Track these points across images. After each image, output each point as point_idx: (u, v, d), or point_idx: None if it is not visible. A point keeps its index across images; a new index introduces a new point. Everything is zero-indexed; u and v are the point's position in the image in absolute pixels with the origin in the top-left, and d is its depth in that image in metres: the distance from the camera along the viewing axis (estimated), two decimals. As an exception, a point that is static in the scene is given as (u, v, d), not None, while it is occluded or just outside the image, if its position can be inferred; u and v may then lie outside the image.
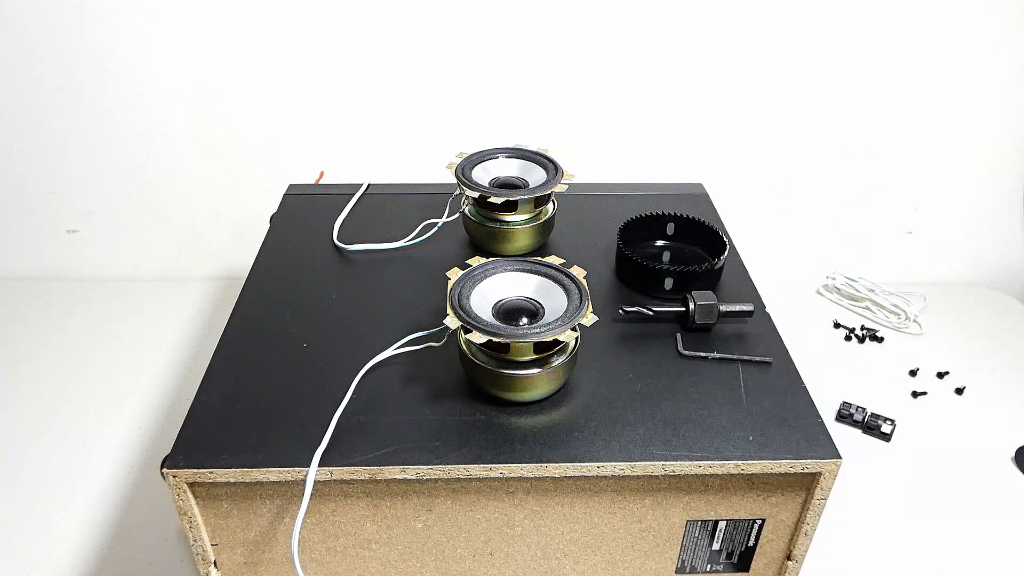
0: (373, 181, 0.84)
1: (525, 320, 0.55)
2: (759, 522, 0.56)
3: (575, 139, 0.99)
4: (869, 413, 0.85)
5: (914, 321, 1.00)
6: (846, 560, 0.71)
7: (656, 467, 0.52)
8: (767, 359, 0.61)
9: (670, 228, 0.74)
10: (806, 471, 0.53)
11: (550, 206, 0.72)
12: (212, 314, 1.02)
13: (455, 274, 0.57)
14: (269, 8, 0.91)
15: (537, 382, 0.55)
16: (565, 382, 0.57)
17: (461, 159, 0.72)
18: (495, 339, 0.51)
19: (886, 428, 0.83)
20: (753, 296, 0.68)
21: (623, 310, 0.63)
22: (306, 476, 0.50)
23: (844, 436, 0.84)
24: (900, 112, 1.00)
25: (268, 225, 0.78)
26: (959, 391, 0.90)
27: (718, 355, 0.61)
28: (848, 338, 0.98)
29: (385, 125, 0.99)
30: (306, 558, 0.56)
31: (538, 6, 0.92)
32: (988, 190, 1.06)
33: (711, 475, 0.53)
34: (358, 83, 0.96)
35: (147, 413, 0.86)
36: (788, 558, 0.58)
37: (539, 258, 0.59)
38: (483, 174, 0.72)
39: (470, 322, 0.52)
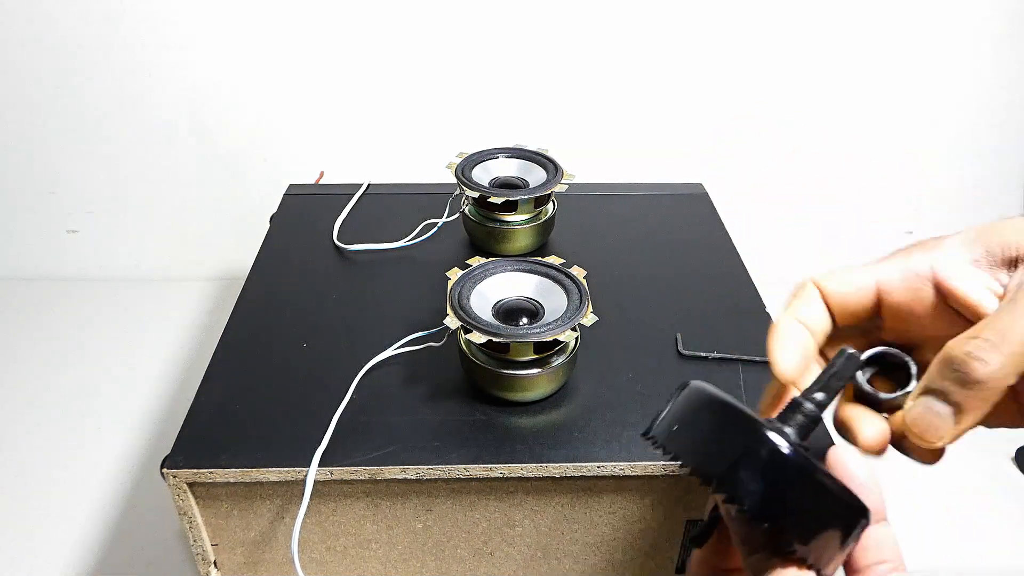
0: (373, 181, 0.84)
1: (525, 320, 0.55)
2: (759, 522, 0.56)
3: (575, 139, 0.99)
4: (869, 413, 0.84)
5: (914, 321, 1.00)
6: (846, 560, 0.71)
7: (656, 467, 0.52)
8: (767, 359, 0.60)
9: None
10: (806, 471, 0.53)
11: (550, 206, 0.72)
12: (212, 314, 1.02)
13: (455, 274, 0.57)
14: (269, 8, 0.91)
15: (537, 382, 0.55)
16: (565, 382, 0.57)
17: (461, 159, 0.72)
18: (495, 339, 0.51)
19: None
20: (753, 296, 0.68)
21: None
22: (306, 476, 0.50)
23: (844, 436, 0.84)
24: (900, 111, 1.00)
25: (268, 225, 0.78)
26: (959, 391, 0.90)
27: (718, 355, 0.61)
28: (848, 338, 0.98)
29: (385, 125, 0.99)
30: (306, 558, 0.56)
31: (538, 6, 0.92)
32: (988, 189, 1.06)
33: (711, 475, 0.53)
34: (358, 83, 0.96)
35: (147, 413, 0.86)
36: (788, 558, 0.58)
37: (539, 258, 0.59)
38: (483, 174, 0.72)
39: (470, 322, 0.52)
